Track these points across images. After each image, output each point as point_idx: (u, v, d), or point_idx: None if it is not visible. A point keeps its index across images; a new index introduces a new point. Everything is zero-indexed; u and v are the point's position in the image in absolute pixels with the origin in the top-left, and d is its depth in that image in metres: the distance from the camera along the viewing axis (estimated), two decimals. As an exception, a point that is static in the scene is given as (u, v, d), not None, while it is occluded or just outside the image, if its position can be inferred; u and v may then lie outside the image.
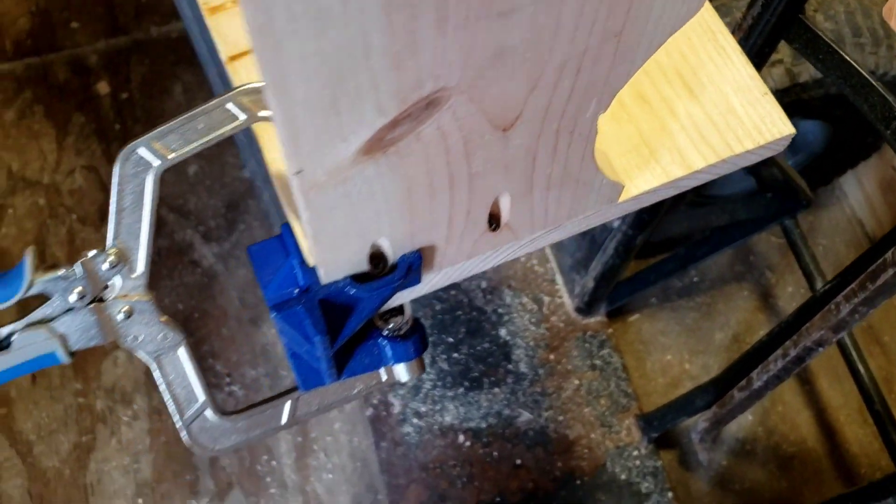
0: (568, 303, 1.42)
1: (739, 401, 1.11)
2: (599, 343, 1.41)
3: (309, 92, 0.32)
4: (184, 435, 0.53)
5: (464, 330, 1.39)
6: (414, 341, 0.54)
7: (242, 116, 0.48)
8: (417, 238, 0.47)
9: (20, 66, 1.68)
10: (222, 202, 1.56)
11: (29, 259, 0.47)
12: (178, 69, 1.68)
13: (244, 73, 0.58)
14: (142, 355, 0.51)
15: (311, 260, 0.48)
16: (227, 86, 0.63)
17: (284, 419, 0.54)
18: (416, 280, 0.51)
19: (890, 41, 1.13)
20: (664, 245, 1.43)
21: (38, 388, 1.42)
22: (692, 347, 1.47)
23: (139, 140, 0.48)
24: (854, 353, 1.22)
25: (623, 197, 0.55)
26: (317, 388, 0.54)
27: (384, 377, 0.55)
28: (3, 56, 1.69)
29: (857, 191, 1.53)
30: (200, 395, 0.52)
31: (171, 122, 0.47)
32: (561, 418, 1.35)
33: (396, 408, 1.34)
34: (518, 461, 1.32)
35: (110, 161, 1.59)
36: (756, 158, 0.58)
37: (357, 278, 0.48)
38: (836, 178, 1.47)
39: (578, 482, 1.31)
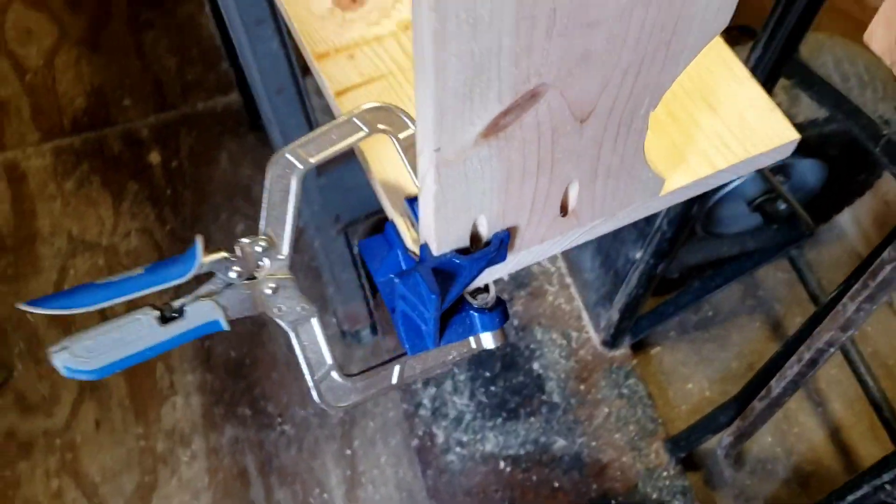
0: (594, 337, 1.54)
1: (760, 411, 1.21)
2: (625, 374, 1.51)
3: (456, 82, 0.45)
4: (314, 393, 0.64)
5: (499, 365, 1.50)
6: (498, 313, 0.66)
7: (365, 130, 0.61)
8: (507, 218, 0.59)
9: (78, 141, 1.83)
10: (268, 257, 1.69)
11: (199, 244, 0.59)
12: (223, 139, 1.83)
13: (348, 104, 0.71)
14: (283, 324, 0.62)
15: (426, 236, 0.60)
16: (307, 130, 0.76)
17: (394, 380, 0.65)
18: (503, 257, 0.63)
19: (874, 85, 1.28)
20: (679, 282, 1.55)
21: (101, 433, 1.52)
22: (710, 376, 1.57)
23: (287, 148, 0.60)
24: (863, 369, 1.33)
25: (663, 192, 0.68)
26: (420, 354, 0.65)
27: (473, 345, 0.67)
28: (62, 132, 1.84)
29: (853, 226, 1.66)
30: (328, 359, 0.63)
31: (312, 134, 0.60)
32: (593, 444, 1.44)
33: (440, 438, 1.44)
34: (556, 484, 1.41)
35: (163, 224, 1.72)
36: (768, 161, 0.71)
37: (460, 252, 0.60)
38: (835, 215, 1.60)
39: (613, 502, 1.40)
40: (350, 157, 1.36)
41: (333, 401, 0.64)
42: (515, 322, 1.55)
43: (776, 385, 1.15)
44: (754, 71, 0.92)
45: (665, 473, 1.43)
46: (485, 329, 0.66)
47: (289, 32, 1.18)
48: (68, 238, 1.71)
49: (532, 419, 1.46)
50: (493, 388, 1.48)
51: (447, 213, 0.56)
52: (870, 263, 0.95)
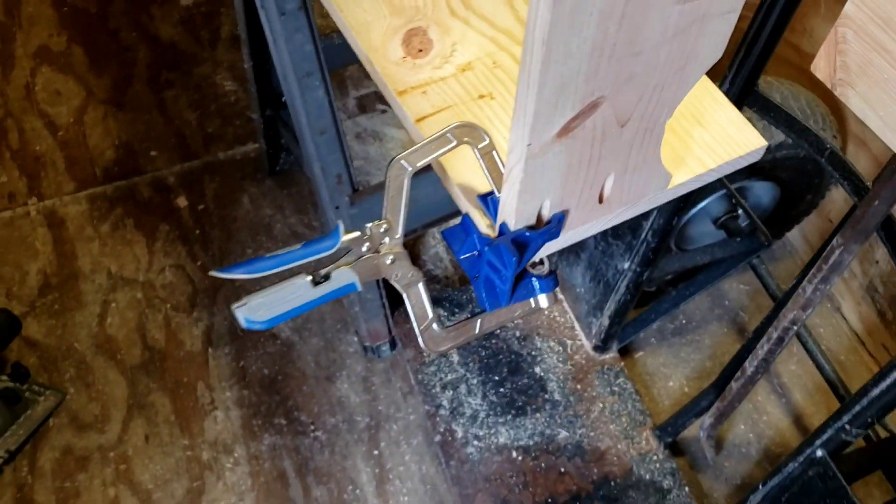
0: (586, 344, 1.75)
1: (737, 390, 1.44)
2: (615, 374, 1.73)
3: (549, 95, 0.67)
4: (420, 340, 0.84)
5: (506, 370, 1.71)
6: (552, 279, 0.88)
7: (454, 142, 0.83)
8: (563, 202, 0.82)
9: (110, 189, 2.02)
10: (292, 286, 1.88)
11: (341, 225, 0.80)
12: (244, 183, 2.03)
13: (428, 130, 0.93)
14: (398, 286, 0.83)
15: (506, 215, 0.81)
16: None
17: (477, 330, 0.86)
18: (558, 234, 0.85)
19: (815, 117, 1.54)
20: (657, 294, 1.78)
21: (151, 446, 1.68)
22: (688, 375, 1.80)
23: (400, 155, 0.82)
24: (820, 357, 1.56)
25: (670, 185, 0.91)
26: (495, 311, 0.87)
27: (533, 304, 0.88)
28: (95, 181, 2.03)
29: (802, 242, 1.92)
30: (430, 314, 0.84)
31: (417, 145, 0.82)
32: (592, 434, 1.65)
33: (459, 433, 1.63)
34: (562, 469, 1.61)
35: (194, 259, 1.91)
36: (745, 162, 0.94)
37: (529, 228, 0.82)
38: (786, 232, 1.86)
39: (612, 484, 1.60)
40: (380, 189, 1.58)
41: (434, 346, 0.85)
42: (517, 333, 1.76)
43: (749, 365, 1.38)
44: (723, 102, 1.16)
45: (655, 457, 1.64)
46: (542, 291, 0.88)
47: (331, 83, 1.40)
48: (108, 275, 1.89)
49: (538, 415, 1.66)
50: (501, 390, 1.68)
51: (526, 196, 0.78)
52: (822, 251, 1.19)
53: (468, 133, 0.84)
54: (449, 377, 1.70)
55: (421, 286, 0.84)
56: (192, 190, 2.02)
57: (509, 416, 1.66)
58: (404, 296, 0.84)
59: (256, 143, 2.08)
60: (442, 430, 1.64)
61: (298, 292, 0.80)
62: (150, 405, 1.73)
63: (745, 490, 1.66)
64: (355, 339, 1.81)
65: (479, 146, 0.85)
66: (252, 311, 0.78)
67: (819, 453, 1.18)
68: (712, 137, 0.94)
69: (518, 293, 0.88)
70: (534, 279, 0.88)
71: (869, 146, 1.62)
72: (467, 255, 0.88)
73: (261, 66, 1.60)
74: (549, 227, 0.82)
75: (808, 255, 1.92)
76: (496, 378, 1.70)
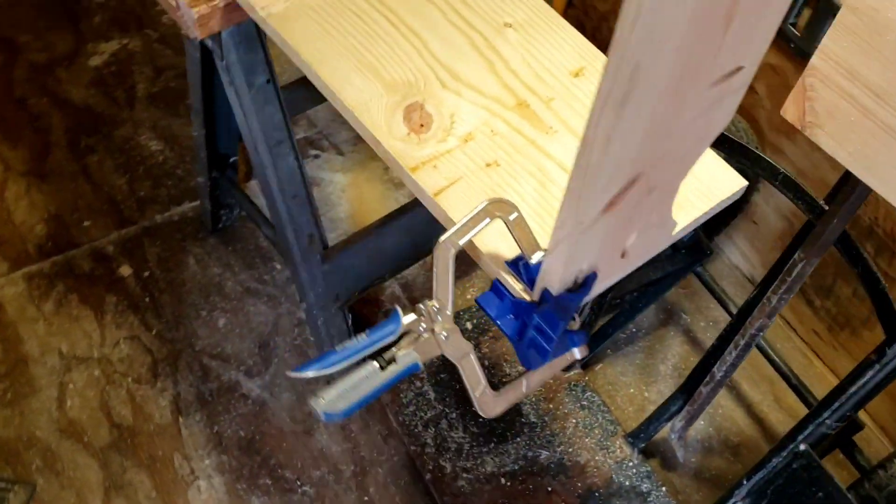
0: (551, 364, 1.83)
1: (707, 394, 1.55)
2: (582, 389, 1.82)
3: (601, 180, 0.74)
4: (476, 406, 0.89)
5: (480, 399, 1.77)
6: (584, 333, 0.94)
7: (488, 218, 0.89)
8: (597, 264, 0.88)
9: (47, 265, 1.96)
10: (254, 343, 1.88)
11: (399, 310, 0.84)
12: (186, 244, 2.01)
13: (446, 202, 0.98)
14: (453, 359, 0.88)
15: (549, 282, 0.87)
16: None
17: (525, 390, 0.92)
18: (588, 292, 0.91)
19: (740, 132, 1.67)
20: (610, 309, 1.88)
21: (136, 526, 1.65)
22: (646, 380, 1.91)
23: (446, 235, 0.86)
24: (772, 352, 1.70)
25: (674, 232, 0.99)
26: (537, 369, 0.92)
27: (568, 357, 0.95)
28: (29, 259, 1.96)
29: (730, 244, 2.07)
30: (483, 381, 0.89)
31: (456, 226, 0.87)
32: (570, 450, 1.74)
33: (448, 468, 1.68)
34: (549, 489, 1.68)
35: (149, 328, 1.88)
36: (732, 200, 1.04)
37: (568, 291, 0.88)
38: (715, 236, 2.00)
39: (597, 494, 1.69)
40: (350, 244, 1.62)
41: (489, 411, 0.90)
42: (486, 362, 1.83)
43: (718, 370, 1.49)
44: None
45: (631, 463, 1.74)
46: (576, 345, 0.95)
47: (300, 150, 1.43)
48: (59, 356, 1.84)
49: (518, 439, 1.73)
50: (480, 420, 1.74)
51: (571, 265, 0.84)
52: (781, 264, 1.31)
53: (500, 208, 0.90)
54: (429, 414, 1.74)
55: (473, 357, 0.89)
56: (134, 257, 1.99)
57: (492, 445, 1.72)
58: (458, 367, 0.89)
59: (193, 202, 2.06)
60: (431, 467, 1.68)
61: (369, 379, 0.83)
62: (127, 484, 1.69)
63: (716, 483, 1.78)
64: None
65: (510, 218, 0.91)
66: (331, 406, 0.82)
67: (802, 447, 1.30)
68: (700, 181, 1.03)
69: (556, 350, 0.94)
70: (569, 334, 0.94)
71: (786, 153, 1.77)
72: (504, 318, 0.93)
73: (211, 133, 1.60)
74: (585, 287, 0.89)
75: (735, 257, 2.07)
76: (474, 409, 1.75)
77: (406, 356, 0.84)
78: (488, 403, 0.90)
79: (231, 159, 1.73)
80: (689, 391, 1.62)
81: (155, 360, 1.85)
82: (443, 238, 0.87)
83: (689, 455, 1.82)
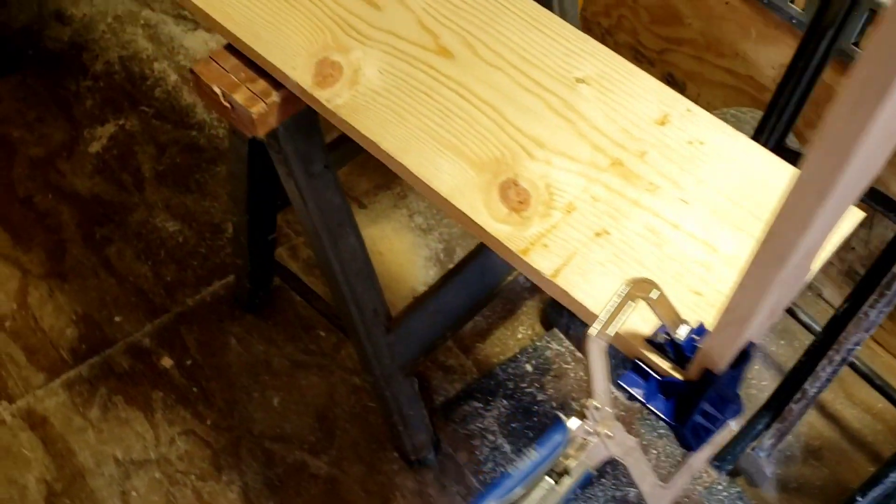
0: (620, 395, 1.79)
1: (798, 411, 1.52)
2: (656, 417, 1.78)
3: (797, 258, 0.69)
4: (648, 500, 0.84)
5: (559, 444, 1.72)
6: (738, 402, 0.90)
7: (632, 304, 0.84)
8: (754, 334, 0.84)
9: (85, 369, 1.88)
10: (313, 418, 1.82)
11: (563, 417, 0.79)
12: (224, 325, 1.94)
13: (566, 282, 0.93)
14: (619, 457, 0.83)
15: (716, 363, 0.83)
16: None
17: (692, 474, 0.87)
18: (749, 360, 0.87)
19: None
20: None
21: None
22: (716, 396, 1.87)
23: (594, 329, 0.82)
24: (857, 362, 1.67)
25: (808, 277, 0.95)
26: (702, 447, 0.88)
27: (727, 431, 0.90)
28: (65, 365, 1.88)
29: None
30: (651, 475, 0.84)
31: (601, 316, 0.82)
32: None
33: (541, 522, 1.63)
34: (645, 526, 1.64)
35: (202, 420, 1.81)
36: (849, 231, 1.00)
37: (731, 367, 0.84)
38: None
39: (694, 524, 1.65)
40: (411, 311, 1.57)
41: (661, 503, 0.85)
42: (553, 404, 1.78)
43: (810, 387, 1.46)
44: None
45: (720, 486, 1.70)
46: (731, 417, 0.90)
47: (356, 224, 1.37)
48: (116, 463, 1.76)
49: (603, 480, 1.69)
50: (563, 466, 1.70)
51: (740, 341, 0.80)
52: (876, 278, 1.28)
53: (641, 288, 0.85)
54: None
55: (639, 451, 0.85)
56: (173, 346, 1.91)
57: (579, 492, 1.67)
58: (626, 463, 0.85)
59: (222, 279, 2.00)
60: (524, 524, 1.63)
61: (547, 498, 0.79)
62: (212, 589, 1.63)
63: (804, 492, 1.75)
64: (395, 454, 1.77)
65: (651, 297, 0.86)
66: (513, 533, 0.77)
67: (922, 460, 1.27)
68: (821, 222, 0.99)
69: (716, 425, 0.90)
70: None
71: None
72: (654, 400, 0.89)
73: (253, 219, 1.54)
74: (746, 358, 0.85)
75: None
76: (553, 455, 1.71)
77: (579, 467, 0.80)
78: (657, 497, 0.86)
79: (269, 237, 1.67)
80: (774, 409, 1.59)
81: (215, 451, 1.78)
82: (592, 333, 0.82)
83: (773, 467, 1.79)
